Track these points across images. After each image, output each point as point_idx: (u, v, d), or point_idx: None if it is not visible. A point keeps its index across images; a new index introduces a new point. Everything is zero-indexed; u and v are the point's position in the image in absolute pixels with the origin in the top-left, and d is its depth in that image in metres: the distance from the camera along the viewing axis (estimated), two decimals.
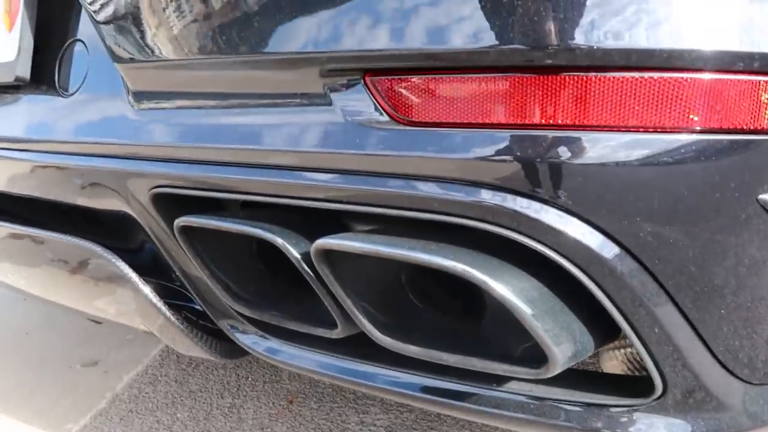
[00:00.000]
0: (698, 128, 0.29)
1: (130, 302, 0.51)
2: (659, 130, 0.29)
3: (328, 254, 0.34)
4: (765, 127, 0.29)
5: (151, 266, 0.50)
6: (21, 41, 0.50)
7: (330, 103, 0.35)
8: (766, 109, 0.29)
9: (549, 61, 0.29)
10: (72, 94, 0.49)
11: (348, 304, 0.35)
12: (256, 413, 0.82)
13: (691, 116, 0.29)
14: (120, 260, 0.47)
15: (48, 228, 0.56)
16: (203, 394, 0.86)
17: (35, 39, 0.50)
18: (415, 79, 0.33)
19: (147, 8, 0.41)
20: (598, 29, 0.28)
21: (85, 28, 0.49)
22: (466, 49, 0.31)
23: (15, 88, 0.53)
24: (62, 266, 0.56)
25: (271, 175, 0.37)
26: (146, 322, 0.52)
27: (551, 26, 0.29)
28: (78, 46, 0.49)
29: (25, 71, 0.50)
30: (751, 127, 0.29)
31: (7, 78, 0.51)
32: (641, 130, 0.29)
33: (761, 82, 0.29)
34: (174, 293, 0.50)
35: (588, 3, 0.28)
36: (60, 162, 0.50)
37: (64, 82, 0.50)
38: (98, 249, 0.48)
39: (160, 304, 0.48)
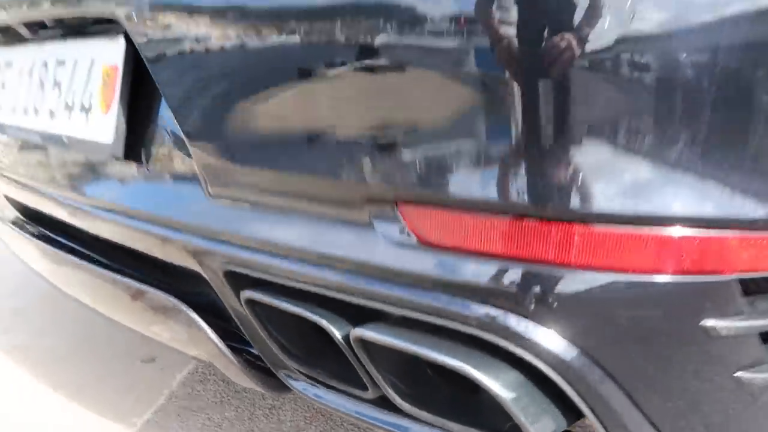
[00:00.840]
0: (635, 272, 0.38)
1: (198, 341, 0.62)
2: (612, 271, 0.39)
3: (362, 340, 0.45)
4: (674, 271, 0.38)
5: (218, 315, 0.61)
6: (117, 123, 0.61)
7: (370, 222, 0.45)
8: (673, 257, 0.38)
9: (530, 214, 0.39)
10: (155, 173, 0.60)
11: (376, 376, 0.46)
12: (293, 415, 0.94)
13: (627, 263, 0.38)
14: (193, 312, 0.58)
15: (130, 268, 0.67)
16: (247, 394, 0.98)
17: (126, 122, 0.61)
18: (433, 210, 0.43)
19: (231, 125, 0.51)
20: (575, 192, 0.38)
21: (169, 117, 0.58)
22: (470, 199, 0.40)
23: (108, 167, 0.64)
24: (139, 305, 0.68)
25: (319, 272, 0.47)
26: (210, 358, 0.63)
27: (537, 189, 0.38)
28: (163, 132, 0.60)
29: (118, 150, 0.61)
30: (666, 272, 0.38)
31: (103, 155, 0.62)
32: (600, 270, 0.39)
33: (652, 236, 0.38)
34: (235, 336, 0.61)
35: (583, 171, 0.37)
36: (140, 227, 0.61)
37: (149, 161, 0.61)
38: (175, 301, 0.59)
39: (224, 347, 0.59)
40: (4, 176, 0.89)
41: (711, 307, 0.39)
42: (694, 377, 0.41)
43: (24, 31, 0.76)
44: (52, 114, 0.71)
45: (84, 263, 0.70)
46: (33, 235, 0.83)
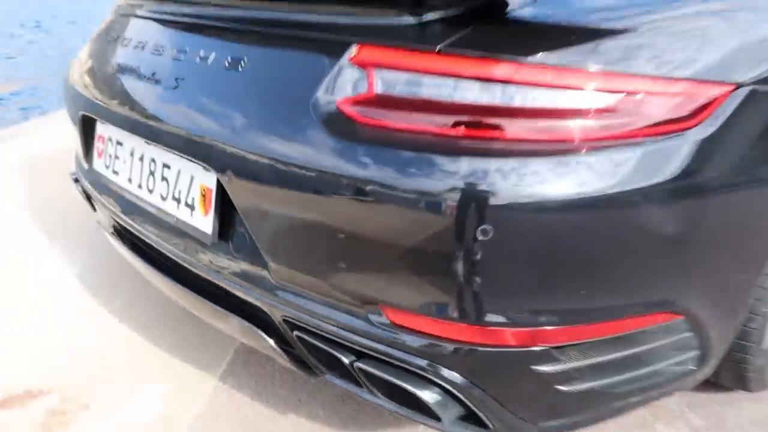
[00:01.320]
0: (495, 346, 0.81)
1: (263, 345, 1.05)
2: (486, 346, 0.81)
3: (360, 368, 0.88)
4: None
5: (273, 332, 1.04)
6: (213, 223, 1.00)
7: (366, 314, 0.87)
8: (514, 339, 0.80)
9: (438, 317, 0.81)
10: (238, 258, 1.00)
11: (365, 383, 0.90)
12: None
13: (492, 341, 0.81)
14: (264, 334, 1.01)
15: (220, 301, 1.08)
16: None
17: (219, 223, 1.00)
18: (399, 310, 0.84)
19: (286, 242, 0.91)
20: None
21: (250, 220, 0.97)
22: (412, 307, 0.82)
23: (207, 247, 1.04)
24: (227, 324, 1.10)
25: (335, 330, 0.90)
26: (268, 353, 1.07)
27: (437, 306, 0.80)
28: (244, 234, 0.99)
29: (215, 239, 1.01)
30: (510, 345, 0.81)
31: (206, 240, 1.02)
32: (477, 345, 0.81)
33: None
34: (284, 343, 1.04)
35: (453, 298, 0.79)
36: (225, 284, 1.03)
37: (235, 251, 1.00)
38: (254, 327, 1.02)
39: (280, 350, 1.02)
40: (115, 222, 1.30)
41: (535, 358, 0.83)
42: (523, 384, 0.85)
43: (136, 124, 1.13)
44: (163, 198, 1.10)
45: (188, 293, 1.12)
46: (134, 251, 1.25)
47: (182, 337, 1.48)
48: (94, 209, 1.47)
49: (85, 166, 1.38)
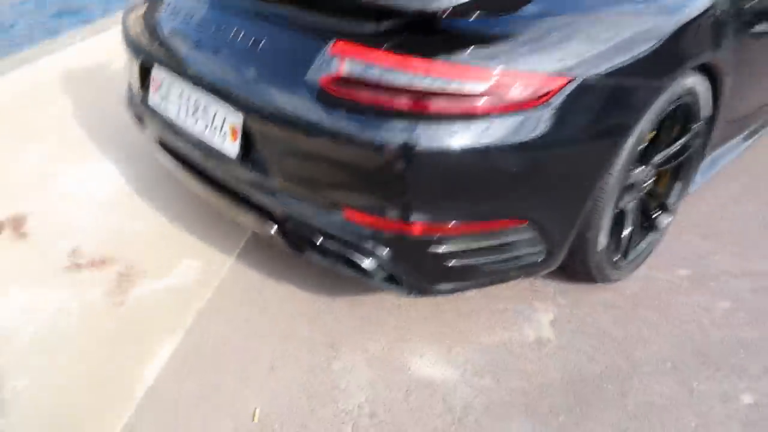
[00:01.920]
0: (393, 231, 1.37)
1: (265, 228, 1.61)
2: (389, 230, 1.37)
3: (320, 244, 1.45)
4: None
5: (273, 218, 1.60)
6: (239, 148, 1.53)
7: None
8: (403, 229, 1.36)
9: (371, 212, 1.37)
10: (255, 172, 1.52)
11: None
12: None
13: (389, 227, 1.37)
14: (271, 222, 1.57)
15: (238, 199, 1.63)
16: None
17: (243, 149, 1.53)
18: (351, 209, 1.39)
19: (286, 162, 1.45)
20: None
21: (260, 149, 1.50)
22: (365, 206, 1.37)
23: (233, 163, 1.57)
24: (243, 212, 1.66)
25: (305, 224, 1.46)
26: (271, 236, 1.62)
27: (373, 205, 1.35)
28: (259, 155, 1.51)
29: (239, 160, 1.53)
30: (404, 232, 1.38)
31: (232, 160, 1.54)
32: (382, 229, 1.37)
33: None
34: (283, 229, 1.59)
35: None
36: (244, 191, 1.56)
37: (252, 165, 1.53)
38: (260, 217, 1.57)
39: (279, 234, 1.58)
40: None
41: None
42: (425, 259, 1.41)
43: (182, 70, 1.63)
44: (205, 128, 1.61)
45: (217, 194, 1.67)
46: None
47: (209, 226, 2.03)
48: (143, 127, 1.98)
49: (141, 97, 1.88)
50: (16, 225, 1.97)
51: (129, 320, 1.65)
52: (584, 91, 1.37)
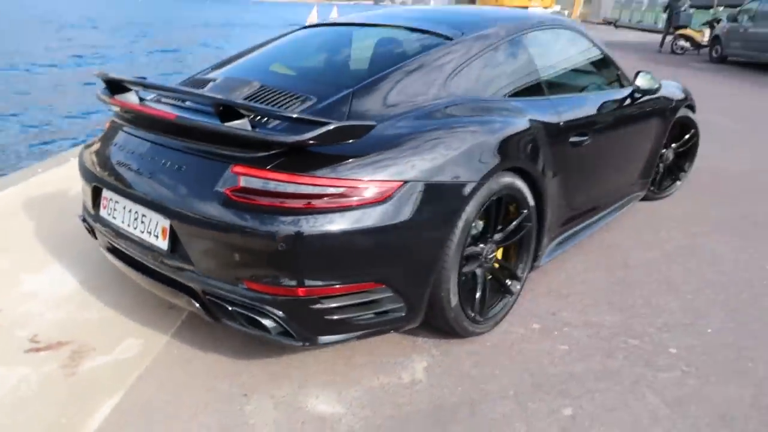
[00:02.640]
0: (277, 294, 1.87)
1: (189, 305, 2.07)
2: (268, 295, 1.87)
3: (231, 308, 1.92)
4: None
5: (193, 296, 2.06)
6: (168, 244, 2.02)
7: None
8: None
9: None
10: (180, 261, 2.02)
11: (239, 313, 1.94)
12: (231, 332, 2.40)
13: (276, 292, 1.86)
14: (191, 299, 2.03)
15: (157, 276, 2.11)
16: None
17: (170, 245, 2.03)
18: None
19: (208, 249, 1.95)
20: None
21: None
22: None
23: (163, 255, 2.07)
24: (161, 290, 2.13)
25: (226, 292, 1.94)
26: (193, 309, 2.08)
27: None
28: (182, 248, 2.02)
29: (168, 252, 2.03)
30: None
31: (162, 251, 2.04)
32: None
33: None
34: (203, 304, 2.06)
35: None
36: (172, 276, 2.05)
37: (178, 256, 2.03)
38: (184, 295, 2.04)
39: (199, 308, 2.04)
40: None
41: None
42: (309, 315, 1.90)
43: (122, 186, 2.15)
44: (141, 232, 2.11)
45: (151, 281, 2.13)
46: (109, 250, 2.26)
47: (149, 311, 2.46)
48: (95, 237, 2.46)
49: (93, 213, 2.38)
50: None
51: (78, 386, 2.03)
52: (415, 190, 1.95)
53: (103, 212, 2.31)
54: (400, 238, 1.95)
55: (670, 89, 3.96)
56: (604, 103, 3.10)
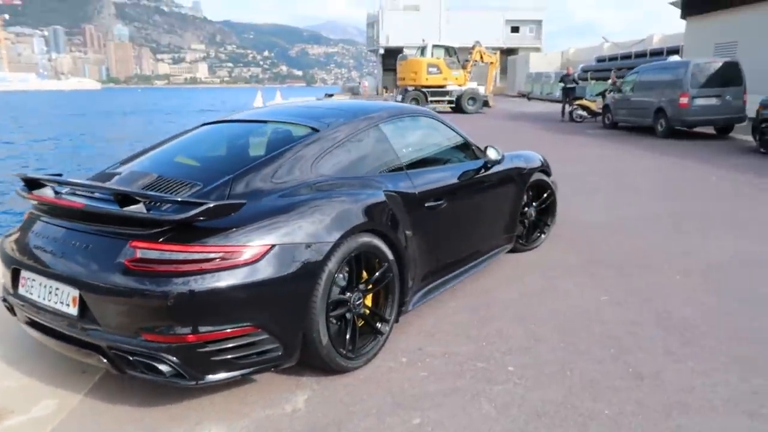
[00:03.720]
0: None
1: (97, 361, 2.46)
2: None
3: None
4: None
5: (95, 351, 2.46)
6: (78, 310, 2.44)
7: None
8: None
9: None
10: (88, 323, 2.43)
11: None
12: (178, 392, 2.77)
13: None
14: (98, 354, 2.43)
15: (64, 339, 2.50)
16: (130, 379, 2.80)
17: (80, 311, 2.44)
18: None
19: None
20: None
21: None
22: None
23: (74, 319, 2.48)
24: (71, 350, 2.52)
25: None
26: (101, 365, 2.47)
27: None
28: (90, 312, 2.43)
29: (78, 316, 2.44)
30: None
31: (73, 317, 2.45)
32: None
33: None
34: (108, 358, 2.46)
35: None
36: (82, 337, 2.46)
37: (87, 319, 2.44)
38: (92, 353, 2.44)
39: (106, 362, 2.44)
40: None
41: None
42: (196, 357, 2.33)
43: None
44: (55, 302, 2.52)
45: (64, 344, 2.52)
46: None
47: (65, 374, 2.81)
48: (14, 314, 2.82)
49: (12, 291, 2.75)
50: None
51: None
52: (281, 251, 2.47)
53: (21, 290, 2.70)
54: (272, 289, 2.45)
55: (527, 157, 4.75)
56: (458, 173, 3.78)
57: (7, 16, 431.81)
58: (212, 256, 2.34)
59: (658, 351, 3.08)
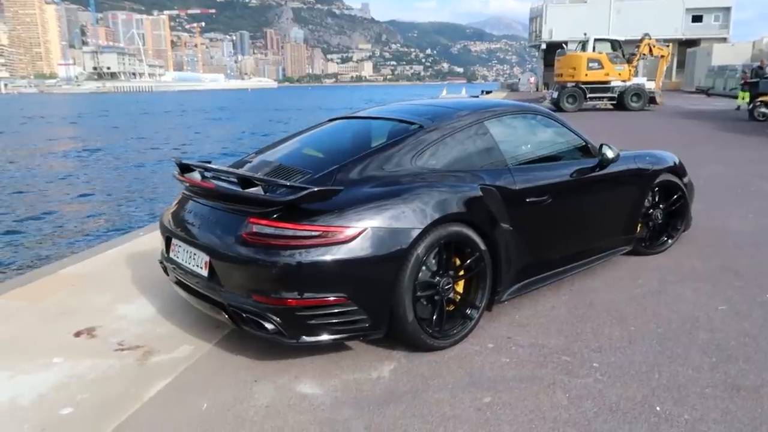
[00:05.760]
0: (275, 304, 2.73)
1: (220, 315, 2.97)
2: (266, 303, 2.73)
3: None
4: None
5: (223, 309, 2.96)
6: (208, 273, 2.97)
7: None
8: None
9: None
10: (214, 282, 2.95)
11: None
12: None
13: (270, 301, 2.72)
14: (221, 309, 2.94)
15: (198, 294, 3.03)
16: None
17: (209, 274, 2.97)
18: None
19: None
20: None
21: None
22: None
23: (204, 279, 3.01)
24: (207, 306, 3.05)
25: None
26: (222, 318, 2.97)
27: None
28: (216, 274, 2.94)
29: (207, 276, 2.97)
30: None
31: (204, 276, 2.98)
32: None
33: None
34: (228, 313, 2.95)
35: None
36: (209, 294, 2.98)
37: (214, 280, 2.96)
38: (215, 308, 2.95)
39: (227, 317, 2.93)
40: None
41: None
42: (295, 319, 2.73)
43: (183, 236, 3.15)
44: (193, 265, 3.08)
45: (199, 301, 3.07)
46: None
47: (202, 326, 3.39)
48: (167, 274, 3.46)
49: (166, 255, 3.39)
50: None
51: (145, 371, 2.94)
52: (373, 234, 2.78)
53: (171, 254, 3.31)
54: (363, 267, 2.76)
55: (655, 157, 4.57)
56: (568, 171, 3.80)
57: (203, 24, 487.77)
58: (314, 233, 2.71)
59: (767, 366, 2.89)
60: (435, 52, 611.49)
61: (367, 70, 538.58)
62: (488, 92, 46.16)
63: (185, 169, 3.32)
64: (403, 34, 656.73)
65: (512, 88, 53.03)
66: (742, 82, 20.71)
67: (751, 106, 17.62)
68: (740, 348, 3.07)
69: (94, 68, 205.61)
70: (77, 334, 3.36)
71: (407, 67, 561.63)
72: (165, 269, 3.48)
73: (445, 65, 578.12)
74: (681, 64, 47.04)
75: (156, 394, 2.75)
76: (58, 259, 6.45)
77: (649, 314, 3.53)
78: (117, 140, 28.79)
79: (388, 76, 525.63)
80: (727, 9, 47.76)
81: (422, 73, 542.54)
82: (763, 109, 17.18)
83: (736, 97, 24.01)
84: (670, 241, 4.72)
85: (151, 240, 5.17)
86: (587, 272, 4.12)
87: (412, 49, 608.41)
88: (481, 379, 2.82)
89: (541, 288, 3.73)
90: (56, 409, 2.61)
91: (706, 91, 35.82)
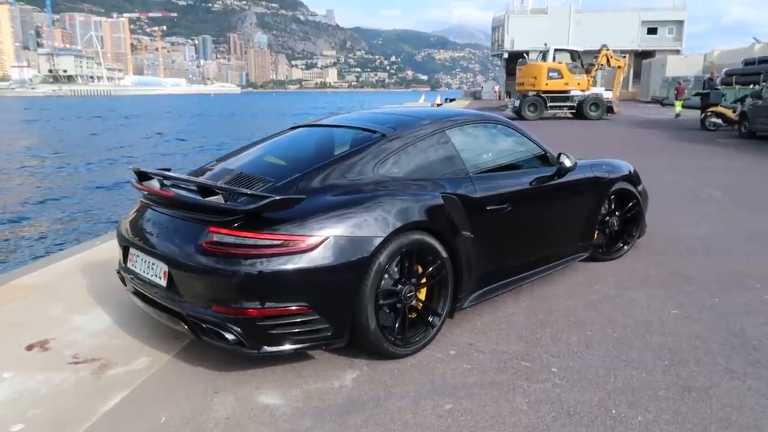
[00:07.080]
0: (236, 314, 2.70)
1: (179, 326, 2.92)
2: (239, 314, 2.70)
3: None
4: None
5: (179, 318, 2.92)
6: (166, 283, 2.92)
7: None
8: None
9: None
10: (172, 293, 2.90)
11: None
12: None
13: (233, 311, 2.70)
14: (180, 321, 2.89)
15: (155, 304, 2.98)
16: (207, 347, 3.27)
17: (167, 284, 2.92)
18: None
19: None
20: None
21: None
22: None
23: (163, 289, 2.96)
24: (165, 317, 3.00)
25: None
26: (181, 329, 2.93)
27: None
28: (174, 283, 2.90)
29: (166, 286, 2.92)
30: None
31: (162, 286, 2.93)
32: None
33: None
34: (187, 323, 2.91)
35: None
36: (167, 304, 2.93)
37: (172, 290, 2.91)
38: (174, 318, 2.90)
39: (186, 328, 2.89)
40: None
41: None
42: (255, 329, 2.71)
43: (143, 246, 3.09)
44: (151, 275, 3.02)
45: (157, 311, 3.01)
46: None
47: (160, 337, 3.32)
48: (125, 285, 3.39)
49: (123, 265, 3.31)
50: None
51: (102, 384, 2.86)
52: (335, 243, 2.78)
53: (129, 265, 3.24)
54: (324, 276, 2.76)
55: (611, 166, 4.71)
56: (527, 179, 3.88)
57: (164, 28, 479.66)
58: (275, 242, 2.69)
59: (716, 367, 3.00)
60: (399, 59, 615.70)
61: (332, 76, 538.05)
62: (452, 100, 46.67)
63: (143, 177, 3.26)
64: (367, 41, 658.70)
65: (475, 96, 53.80)
66: (676, 92, 25.21)
67: (702, 116, 18.28)
68: (691, 351, 3.18)
69: (50, 71, 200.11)
70: (29, 347, 3.25)
71: (372, 74, 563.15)
72: (122, 279, 3.40)
73: (410, 73, 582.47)
74: (637, 75, 48.57)
75: (112, 408, 2.68)
76: (10, 269, 6.24)
77: (606, 319, 3.62)
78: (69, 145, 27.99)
79: (352, 83, 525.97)
80: (680, 22, 49.65)
81: (387, 81, 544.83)
82: (713, 119, 17.86)
83: (690, 107, 24.92)
84: (626, 247, 4.86)
85: (108, 249, 5.04)
86: (546, 278, 4.21)
87: (377, 56, 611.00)
88: (443, 386, 2.85)
89: (501, 294, 3.79)
90: (6, 426, 2.52)
91: (661, 101, 37.01)
